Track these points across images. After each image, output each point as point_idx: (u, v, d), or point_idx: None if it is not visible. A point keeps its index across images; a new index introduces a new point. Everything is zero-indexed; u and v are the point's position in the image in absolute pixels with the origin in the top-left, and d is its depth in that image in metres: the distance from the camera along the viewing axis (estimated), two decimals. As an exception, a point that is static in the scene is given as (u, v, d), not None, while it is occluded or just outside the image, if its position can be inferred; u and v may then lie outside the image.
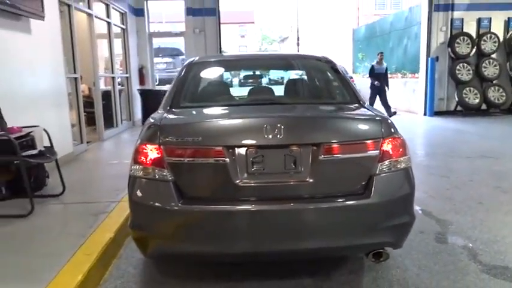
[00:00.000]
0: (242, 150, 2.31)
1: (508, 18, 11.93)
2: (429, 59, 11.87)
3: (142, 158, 2.39)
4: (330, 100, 3.25)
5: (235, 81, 11.09)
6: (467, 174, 5.50)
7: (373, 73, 11.68)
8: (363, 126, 2.51)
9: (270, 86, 3.96)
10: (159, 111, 2.93)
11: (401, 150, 2.45)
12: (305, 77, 3.84)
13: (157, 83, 12.22)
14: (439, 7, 11.78)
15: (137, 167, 2.41)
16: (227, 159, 2.29)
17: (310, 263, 3.01)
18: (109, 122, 8.80)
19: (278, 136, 2.30)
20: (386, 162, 2.40)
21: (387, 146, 2.41)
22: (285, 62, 4.03)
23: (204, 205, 2.29)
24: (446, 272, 2.87)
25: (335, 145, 2.34)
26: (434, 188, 4.89)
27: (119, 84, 9.78)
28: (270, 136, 2.30)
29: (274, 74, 14.87)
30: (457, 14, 11.85)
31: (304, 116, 2.74)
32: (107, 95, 8.83)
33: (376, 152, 2.38)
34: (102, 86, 8.91)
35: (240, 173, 2.31)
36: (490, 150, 7.10)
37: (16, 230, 3.45)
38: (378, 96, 11.61)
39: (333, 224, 2.33)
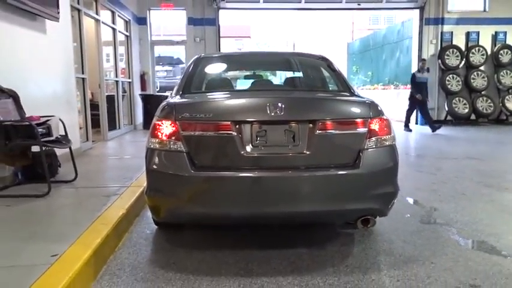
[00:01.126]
0: (247, 125, 2.64)
1: (496, 32, 12.44)
2: (420, 70, 12.30)
3: (159, 132, 2.70)
4: (325, 89, 3.58)
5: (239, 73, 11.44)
6: (453, 171, 5.84)
7: (414, 82, 10.67)
8: (354, 107, 2.84)
9: (269, 79, 4.32)
10: (172, 97, 3.26)
11: (386, 129, 2.78)
12: (303, 71, 4.19)
13: (157, 89, 12.56)
14: (429, 21, 12.28)
15: (155, 140, 2.72)
16: (234, 133, 2.61)
17: (306, 235, 3.31)
18: (112, 124, 9.10)
19: (279, 113, 2.62)
20: (373, 139, 2.72)
21: (375, 125, 2.74)
22: (286, 59, 4.39)
23: (214, 172, 2.60)
24: (429, 245, 3.18)
25: (329, 122, 2.67)
26: (422, 183, 5.22)
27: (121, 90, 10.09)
28: (273, 113, 2.62)
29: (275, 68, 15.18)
30: (446, 28, 12.35)
31: (302, 97, 3.08)
32: (110, 99, 9.14)
33: (365, 129, 2.71)
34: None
35: (246, 145, 2.62)
36: (476, 153, 7.46)
37: (36, 206, 3.72)
38: (417, 108, 10.92)
39: (326, 190, 2.64)
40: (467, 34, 12.39)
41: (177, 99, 2.99)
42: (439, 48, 12.33)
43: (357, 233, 3.39)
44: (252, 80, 4.22)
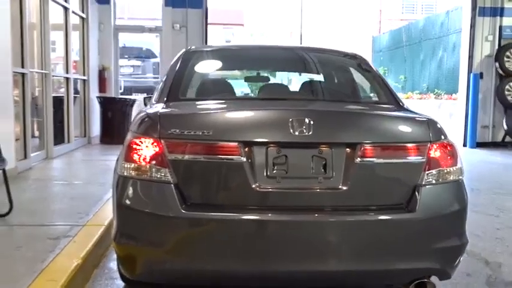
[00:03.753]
0: (262, 148, 2.51)
1: None
2: (471, 75, 12.33)
3: (136, 155, 2.57)
4: (361, 100, 3.48)
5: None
6: (521, 213, 5.76)
7: None
8: (407, 127, 2.75)
9: (284, 83, 4.20)
10: (152, 105, 3.14)
11: (452, 158, 2.68)
12: (329, 74, 4.10)
13: (121, 90, 12.47)
14: (484, 11, 12.35)
15: (129, 165, 2.59)
16: (243, 158, 2.49)
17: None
18: (59, 137, 8.94)
19: (306, 133, 2.51)
20: (434, 171, 2.62)
21: (436, 153, 2.64)
22: (304, 56, 4.29)
23: (213, 212, 2.46)
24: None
25: (374, 146, 2.56)
26: (481, 228, 5.11)
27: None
28: (297, 133, 2.50)
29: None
30: (507, 21, 12.42)
31: (338, 110, 2.96)
32: (57, 103, 8.97)
33: (423, 158, 2.61)
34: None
35: (259, 175, 2.50)
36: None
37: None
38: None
39: (369, 242, 2.51)
40: (534, 29, 12.49)
41: (160, 108, 2.86)
42: (496, 47, 12.38)
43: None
44: (260, 84, 4.12)
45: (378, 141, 2.59)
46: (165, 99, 3.09)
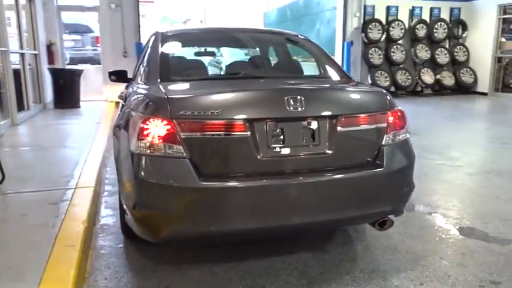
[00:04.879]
0: (263, 123, 2.25)
1: (413, 7, 13.06)
2: (345, 43, 12.55)
3: (150, 134, 2.20)
4: (322, 75, 3.22)
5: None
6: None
7: None
8: (373, 99, 2.60)
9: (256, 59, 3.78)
10: (143, 85, 2.73)
11: (403, 121, 2.59)
12: (285, 54, 3.80)
13: (67, 61, 11.22)
14: (353, -7, 12.47)
15: (143, 143, 2.21)
16: (248, 133, 2.21)
17: (303, 239, 3.05)
18: (19, 105, 7.86)
19: (300, 108, 2.28)
20: (392, 133, 2.52)
21: (392, 118, 2.53)
22: (266, 36, 3.98)
23: (226, 182, 2.19)
24: (423, 236, 3.13)
25: (351, 117, 2.40)
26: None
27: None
28: (291, 108, 2.27)
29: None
30: (369, 1, 12.65)
31: (323, 87, 2.75)
32: (15, 75, 7.83)
33: (384, 123, 2.49)
34: None
35: (261, 147, 2.25)
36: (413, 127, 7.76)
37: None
38: None
39: (353, 194, 2.40)
40: (388, 8, 12.84)
41: (162, 89, 2.46)
42: (362, 21, 12.63)
43: (347, 228, 3.22)
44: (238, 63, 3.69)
45: (353, 112, 2.43)
46: (159, 80, 2.67)
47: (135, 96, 2.63)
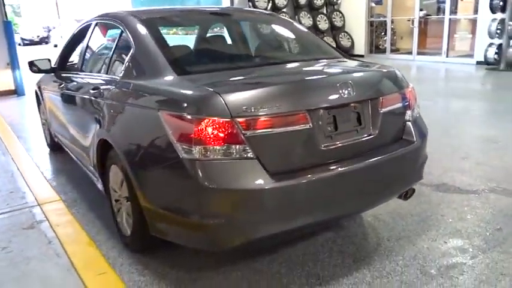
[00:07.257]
0: (322, 112, 2.22)
1: (292, -25, 13.54)
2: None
3: (208, 136, 2.00)
4: (328, 55, 3.17)
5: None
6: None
7: None
8: (397, 79, 2.71)
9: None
10: (163, 79, 2.39)
11: (415, 97, 2.79)
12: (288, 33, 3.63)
13: None
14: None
15: (199, 148, 2.01)
16: (310, 124, 2.16)
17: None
18: None
19: (350, 94, 2.29)
20: (413, 108, 2.71)
21: (410, 95, 2.71)
22: (256, 16, 3.91)
23: (298, 177, 2.12)
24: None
25: (388, 97, 2.51)
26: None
27: None
28: (343, 95, 2.27)
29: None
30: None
31: (365, 71, 2.77)
32: None
33: (407, 100, 2.65)
34: None
35: (320, 136, 2.23)
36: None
37: None
38: None
39: (398, 171, 2.55)
40: (271, -23, 13.10)
41: (203, 85, 2.22)
42: (249, -10, 12.71)
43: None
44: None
45: (390, 92, 2.54)
46: (175, 73, 2.37)
47: (160, 94, 2.32)
